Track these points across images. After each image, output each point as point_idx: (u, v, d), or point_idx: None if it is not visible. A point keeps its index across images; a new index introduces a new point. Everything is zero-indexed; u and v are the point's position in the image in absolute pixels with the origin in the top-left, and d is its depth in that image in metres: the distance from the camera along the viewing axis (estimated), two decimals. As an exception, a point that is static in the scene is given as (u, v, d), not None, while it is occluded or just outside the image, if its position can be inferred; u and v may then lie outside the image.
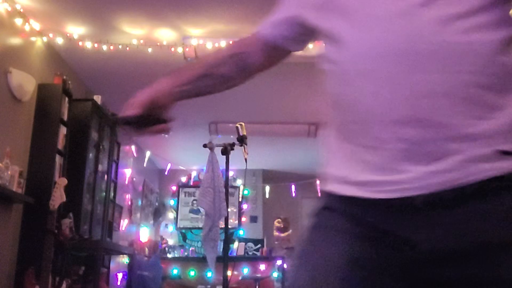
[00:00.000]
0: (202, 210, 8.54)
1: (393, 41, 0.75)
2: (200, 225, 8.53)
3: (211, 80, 1.11)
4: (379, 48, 0.76)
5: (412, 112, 0.72)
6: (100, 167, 4.57)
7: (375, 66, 0.76)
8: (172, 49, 4.15)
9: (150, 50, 4.17)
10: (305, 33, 1.03)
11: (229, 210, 2.28)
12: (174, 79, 1.09)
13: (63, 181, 3.38)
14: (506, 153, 0.71)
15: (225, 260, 2.15)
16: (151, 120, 1.01)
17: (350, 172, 0.81)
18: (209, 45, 4.09)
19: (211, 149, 2.38)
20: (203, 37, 4.06)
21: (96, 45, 4.11)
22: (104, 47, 4.13)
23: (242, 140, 2.36)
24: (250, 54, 1.15)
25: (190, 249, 7.88)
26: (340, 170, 0.84)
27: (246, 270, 6.33)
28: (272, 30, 1.13)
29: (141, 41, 4.11)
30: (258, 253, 7.28)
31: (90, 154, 4.33)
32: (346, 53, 0.83)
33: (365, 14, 0.80)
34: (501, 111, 0.72)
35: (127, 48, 4.14)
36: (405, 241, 0.74)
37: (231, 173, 4.65)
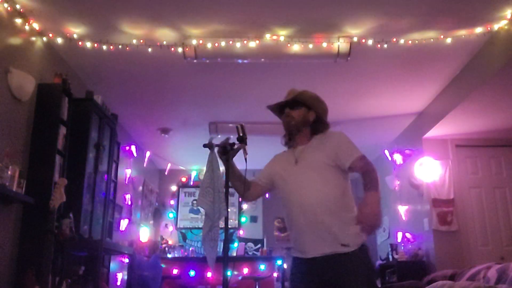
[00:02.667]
0: (202, 210, 8.58)
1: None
2: (200, 225, 8.54)
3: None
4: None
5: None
6: (100, 167, 4.56)
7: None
8: (172, 49, 4.14)
9: (150, 50, 4.17)
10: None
11: (229, 210, 2.27)
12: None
13: (63, 181, 3.37)
14: (343, 245, 2.15)
15: (225, 260, 2.14)
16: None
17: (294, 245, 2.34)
18: (209, 45, 4.09)
19: (211, 148, 2.33)
20: (203, 37, 4.06)
21: (96, 45, 4.11)
22: (104, 47, 4.13)
23: (242, 140, 2.32)
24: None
25: (190, 249, 7.88)
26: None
27: (246, 270, 6.33)
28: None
29: (141, 41, 4.10)
30: (258, 253, 7.28)
31: (90, 154, 4.32)
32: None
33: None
34: (335, 225, 2.17)
35: (127, 48, 4.14)
36: None
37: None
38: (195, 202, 8.65)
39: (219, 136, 6.27)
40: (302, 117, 2.36)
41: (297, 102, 2.36)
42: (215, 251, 2.27)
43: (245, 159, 2.24)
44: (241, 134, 2.31)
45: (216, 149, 2.33)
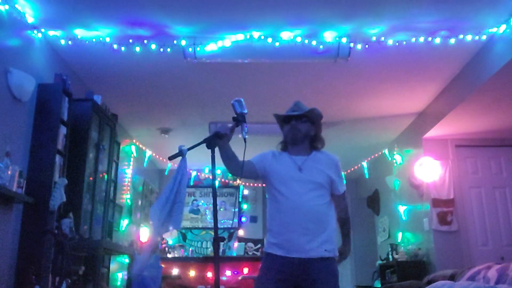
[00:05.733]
0: (202, 210, 8.58)
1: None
2: (200, 225, 8.56)
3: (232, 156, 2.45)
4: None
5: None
6: (100, 167, 4.56)
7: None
8: (172, 49, 4.14)
9: (150, 50, 4.17)
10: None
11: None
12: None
13: (63, 181, 3.38)
14: (326, 250, 2.37)
15: (216, 260, 2.14)
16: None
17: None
18: (209, 45, 4.09)
19: (183, 155, 2.24)
20: (203, 37, 4.06)
21: (96, 45, 4.11)
22: (104, 47, 4.13)
23: (242, 117, 2.26)
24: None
25: (190, 249, 7.88)
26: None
27: (246, 270, 6.33)
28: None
29: (144, 41, 4.11)
30: (258, 253, 7.27)
31: (90, 154, 4.33)
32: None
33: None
34: (324, 232, 2.39)
35: (127, 48, 4.15)
36: None
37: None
38: (195, 202, 8.65)
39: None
40: (307, 131, 2.55)
41: (303, 116, 2.55)
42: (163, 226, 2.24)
43: (244, 140, 2.26)
44: (237, 113, 2.28)
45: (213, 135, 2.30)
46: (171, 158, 2.27)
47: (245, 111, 2.31)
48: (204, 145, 2.29)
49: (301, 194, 2.39)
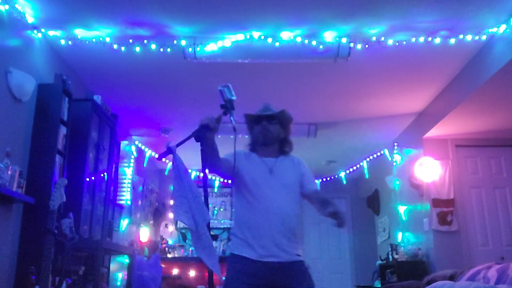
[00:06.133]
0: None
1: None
2: (200, 225, 8.54)
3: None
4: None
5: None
6: (100, 167, 4.56)
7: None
8: (172, 49, 4.14)
9: (150, 50, 4.17)
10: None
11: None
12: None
13: (63, 181, 3.38)
14: (297, 254, 2.36)
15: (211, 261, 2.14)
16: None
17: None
18: (209, 45, 4.09)
19: (173, 152, 2.15)
20: (203, 37, 4.06)
21: (96, 45, 4.11)
22: (104, 47, 4.13)
23: (230, 104, 2.21)
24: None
25: (190, 249, 7.87)
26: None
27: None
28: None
29: (144, 41, 4.11)
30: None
31: (90, 154, 4.33)
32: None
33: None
34: (295, 236, 2.38)
35: (127, 48, 4.15)
36: None
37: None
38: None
39: (219, 136, 6.27)
40: (277, 133, 2.54)
41: (274, 117, 2.54)
42: (214, 256, 2.16)
43: (234, 128, 2.19)
44: (225, 99, 2.24)
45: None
46: (160, 157, 2.19)
47: (234, 97, 2.26)
48: (159, 156, 2.18)
49: (273, 197, 2.35)
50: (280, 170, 2.46)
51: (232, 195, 2.50)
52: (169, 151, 2.14)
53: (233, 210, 2.49)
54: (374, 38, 4.07)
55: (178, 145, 2.17)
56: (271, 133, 2.52)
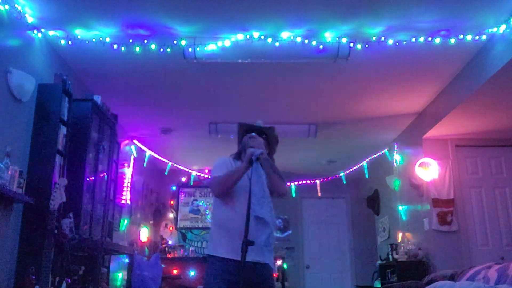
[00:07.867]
0: (202, 210, 8.56)
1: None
2: (200, 225, 8.56)
3: None
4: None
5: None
6: (100, 167, 4.57)
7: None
8: (172, 49, 4.14)
9: (150, 50, 4.17)
10: None
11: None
12: None
13: (63, 181, 3.38)
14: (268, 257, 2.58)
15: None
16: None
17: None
18: (209, 45, 4.09)
19: (258, 159, 2.52)
20: (203, 37, 4.06)
21: (96, 45, 4.11)
22: (104, 47, 4.13)
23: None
24: None
25: (190, 249, 7.88)
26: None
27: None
28: None
29: (144, 41, 4.11)
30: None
31: (90, 154, 4.33)
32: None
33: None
34: (270, 240, 2.57)
35: (127, 48, 4.15)
36: None
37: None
38: (195, 201, 8.65)
39: (219, 136, 6.28)
40: (263, 147, 2.73)
41: (263, 132, 2.79)
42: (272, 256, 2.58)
43: (250, 161, 2.56)
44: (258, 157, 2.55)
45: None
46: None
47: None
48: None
49: (254, 204, 2.47)
50: (257, 178, 2.60)
51: (213, 200, 2.72)
52: (250, 162, 2.54)
53: (212, 213, 2.72)
54: (374, 38, 4.07)
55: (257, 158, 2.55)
56: (259, 142, 2.71)
